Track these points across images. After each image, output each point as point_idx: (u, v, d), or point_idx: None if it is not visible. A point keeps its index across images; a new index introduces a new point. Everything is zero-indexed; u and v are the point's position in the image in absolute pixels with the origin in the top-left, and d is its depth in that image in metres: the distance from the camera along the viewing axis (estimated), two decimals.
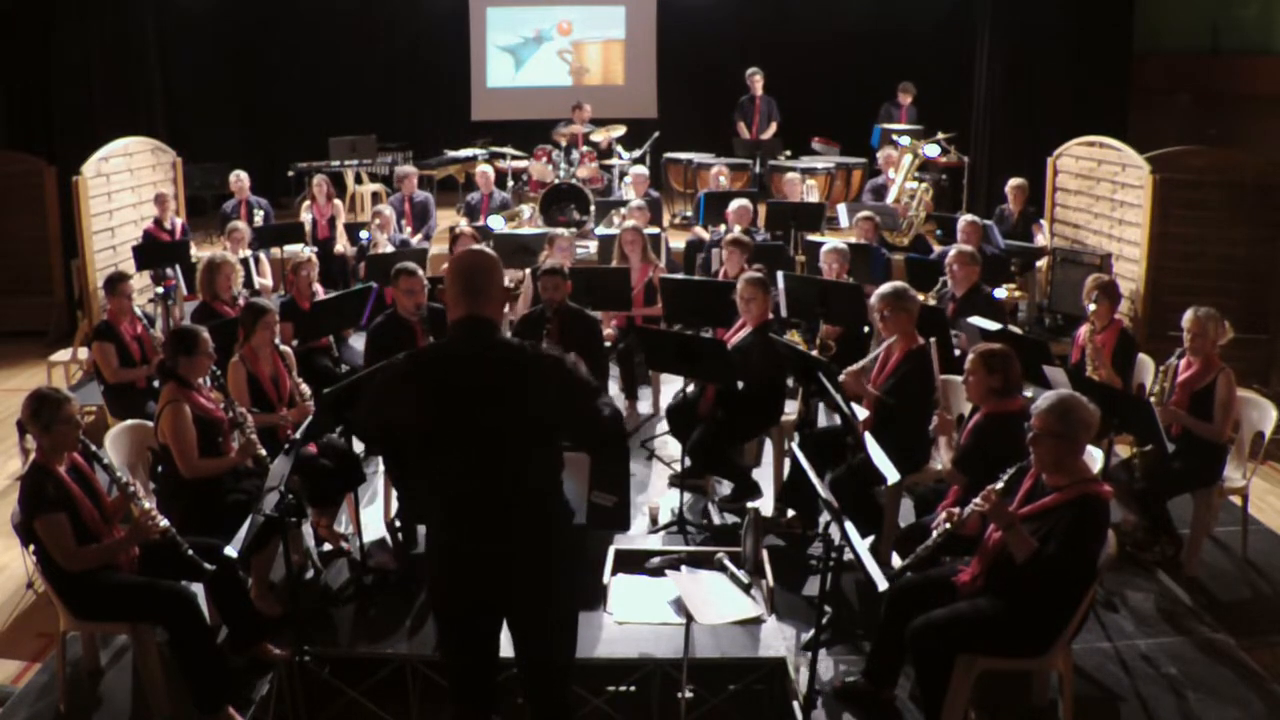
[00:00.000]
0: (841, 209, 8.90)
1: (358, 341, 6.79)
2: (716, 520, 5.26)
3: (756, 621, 3.65)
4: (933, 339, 4.85)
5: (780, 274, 6.35)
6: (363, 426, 3.30)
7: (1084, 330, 5.54)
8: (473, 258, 2.90)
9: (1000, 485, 3.47)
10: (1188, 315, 4.86)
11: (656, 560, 3.75)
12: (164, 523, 3.69)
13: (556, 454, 2.97)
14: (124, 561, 3.76)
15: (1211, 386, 4.76)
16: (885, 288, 4.93)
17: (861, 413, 4.72)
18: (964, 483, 4.03)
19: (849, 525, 3.40)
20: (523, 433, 2.82)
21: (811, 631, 3.92)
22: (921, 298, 5.34)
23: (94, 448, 3.78)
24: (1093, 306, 5.44)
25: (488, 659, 3.04)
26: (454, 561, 2.93)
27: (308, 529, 4.80)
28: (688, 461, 5.22)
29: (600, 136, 10.61)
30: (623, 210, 8.48)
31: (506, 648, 3.03)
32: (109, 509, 3.82)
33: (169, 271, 7.44)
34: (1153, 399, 4.88)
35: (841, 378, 4.70)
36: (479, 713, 3.10)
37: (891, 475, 3.93)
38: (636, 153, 10.57)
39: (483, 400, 2.79)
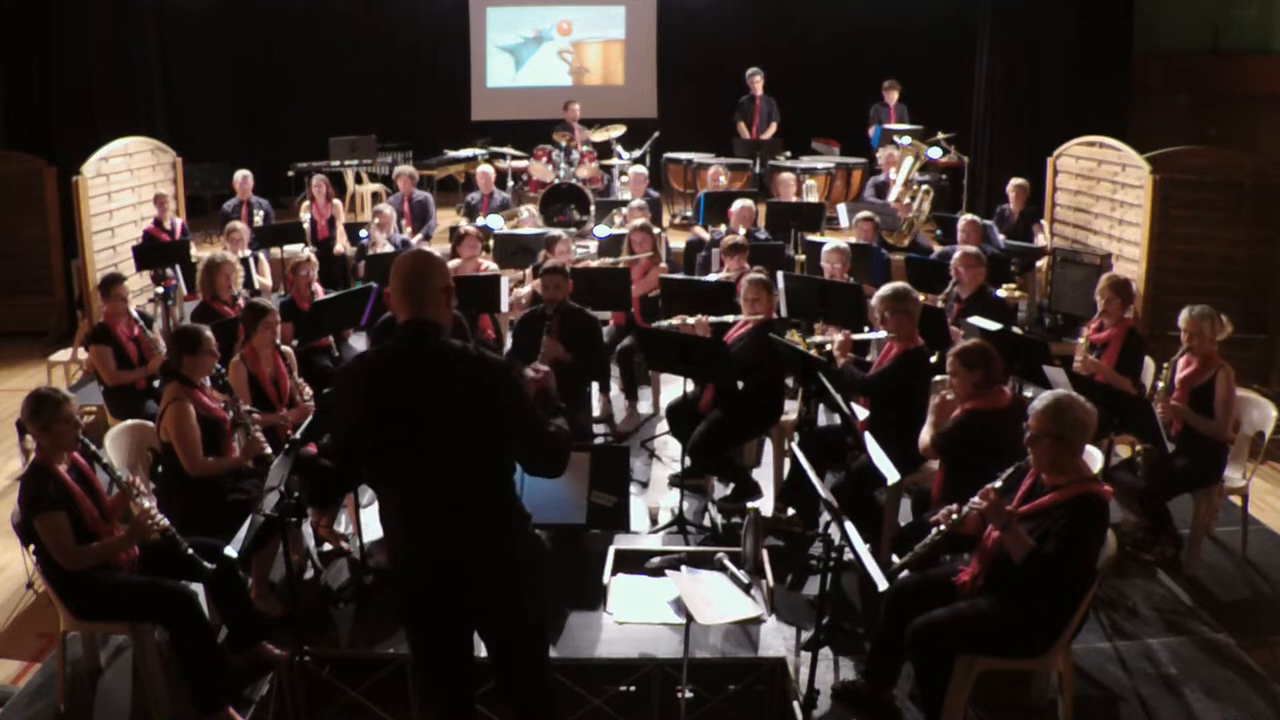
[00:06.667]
0: (841, 209, 8.91)
1: (358, 341, 6.80)
2: (717, 520, 5.25)
3: (756, 621, 3.65)
4: (934, 358, 4.84)
5: (780, 274, 6.35)
6: (330, 436, 3.24)
7: (1089, 327, 5.56)
8: (414, 260, 2.86)
9: (999, 484, 3.48)
10: (1183, 315, 4.89)
11: (656, 560, 3.75)
12: (164, 522, 3.69)
13: (506, 457, 2.91)
14: (124, 561, 3.76)
15: (1211, 383, 4.78)
16: (885, 289, 4.92)
17: (861, 413, 4.71)
18: (940, 461, 4.17)
19: (849, 525, 3.40)
20: (467, 435, 2.78)
21: (811, 631, 3.92)
22: (923, 298, 5.32)
23: (93, 447, 3.78)
24: (1102, 303, 5.43)
25: (460, 662, 3.00)
26: (413, 569, 2.90)
27: (308, 529, 4.80)
28: (688, 461, 5.23)
29: (601, 136, 10.61)
30: (623, 211, 8.48)
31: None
32: (108, 508, 3.82)
33: (169, 271, 7.44)
34: (1157, 398, 4.88)
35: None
36: (459, 714, 3.07)
37: (891, 475, 3.93)
38: (636, 153, 10.58)
39: (426, 403, 2.76)
